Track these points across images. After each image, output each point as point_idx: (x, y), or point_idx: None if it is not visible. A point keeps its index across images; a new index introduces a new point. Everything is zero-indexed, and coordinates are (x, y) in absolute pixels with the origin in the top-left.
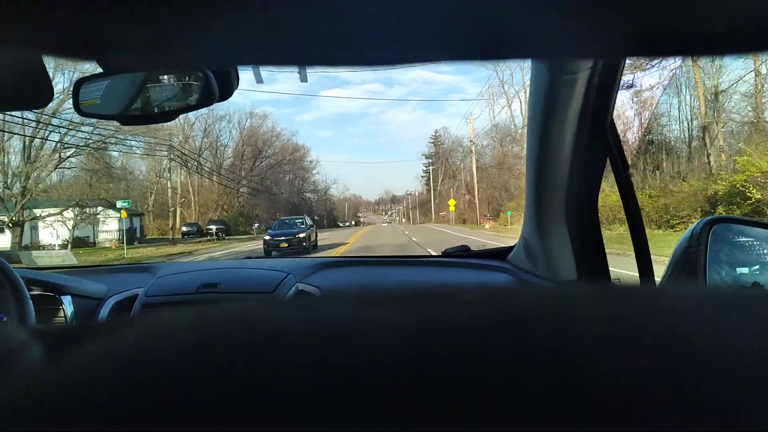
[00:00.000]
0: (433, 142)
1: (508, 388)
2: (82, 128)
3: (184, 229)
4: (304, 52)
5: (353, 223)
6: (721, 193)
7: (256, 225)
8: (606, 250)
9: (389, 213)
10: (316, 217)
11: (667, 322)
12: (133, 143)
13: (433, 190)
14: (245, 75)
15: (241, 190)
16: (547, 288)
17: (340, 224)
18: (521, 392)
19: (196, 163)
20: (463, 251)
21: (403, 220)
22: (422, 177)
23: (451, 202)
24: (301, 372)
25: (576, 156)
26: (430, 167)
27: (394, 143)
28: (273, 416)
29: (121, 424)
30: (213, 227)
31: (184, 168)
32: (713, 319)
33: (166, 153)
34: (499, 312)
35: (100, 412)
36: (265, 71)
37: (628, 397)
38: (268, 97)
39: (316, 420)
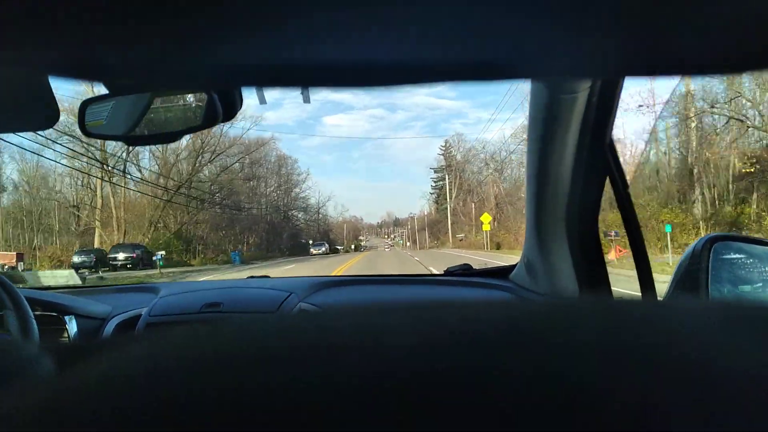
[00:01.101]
0: (443, 154)
1: (510, 400)
2: None
3: (75, 259)
4: (307, 73)
5: (353, 247)
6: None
7: (160, 255)
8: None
9: (392, 236)
10: (309, 241)
11: (669, 335)
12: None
13: (449, 207)
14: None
15: (179, 201)
16: (548, 302)
17: (339, 248)
18: (524, 404)
19: (113, 168)
20: (465, 270)
21: (408, 244)
22: (431, 194)
23: (486, 218)
24: (308, 385)
25: (576, 175)
26: (441, 182)
27: (397, 166)
28: (277, 429)
29: None
30: (121, 255)
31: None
32: (715, 332)
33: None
34: (500, 324)
35: (106, 426)
36: (270, 96)
37: (629, 411)
38: (273, 122)
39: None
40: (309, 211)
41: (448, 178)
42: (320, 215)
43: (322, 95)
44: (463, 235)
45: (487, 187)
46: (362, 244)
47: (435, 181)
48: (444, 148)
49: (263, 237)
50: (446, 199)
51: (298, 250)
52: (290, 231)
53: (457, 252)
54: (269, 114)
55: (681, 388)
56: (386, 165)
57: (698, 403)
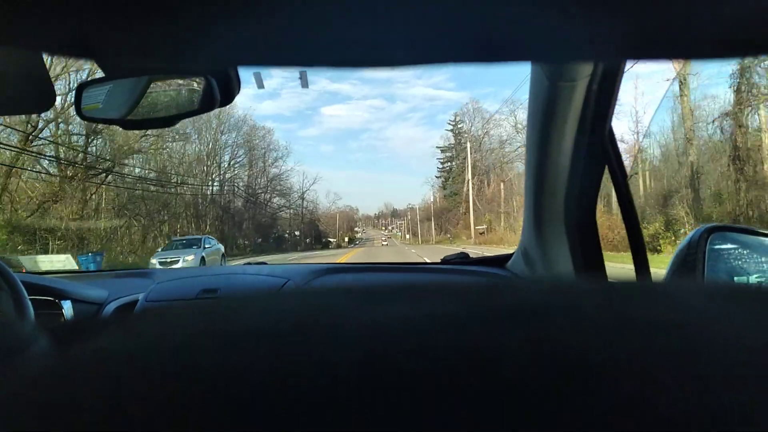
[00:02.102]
0: (451, 129)
1: (512, 374)
2: None
3: None
4: (305, 53)
5: (346, 240)
6: None
7: None
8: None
9: (389, 228)
10: (287, 234)
11: (665, 312)
12: None
13: (469, 189)
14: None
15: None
16: (547, 282)
17: (331, 240)
18: (524, 379)
19: None
20: (462, 258)
21: (408, 237)
22: (437, 177)
23: None
24: (306, 361)
25: (575, 163)
26: (449, 164)
27: (395, 158)
28: (279, 405)
29: (128, 414)
30: None
31: None
32: (711, 309)
33: None
34: (498, 303)
35: (105, 402)
36: (267, 86)
37: (627, 386)
38: (271, 112)
39: (321, 408)
40: (287, 195)
41: (454, 161)
42: (304, 201)
43: (320, 85)
44: (484, 226)
45: (512, 165)
46: (359, 236)
47: (442, 163)
48: (453, 123)
49: (219, 228)
50: (457, 182)
51: (273, 245)
52: (262, 221)
53: (477, 249)
54: (266, 104)
55: (679, 360)
56: (385, 156)
57: (695, 375)
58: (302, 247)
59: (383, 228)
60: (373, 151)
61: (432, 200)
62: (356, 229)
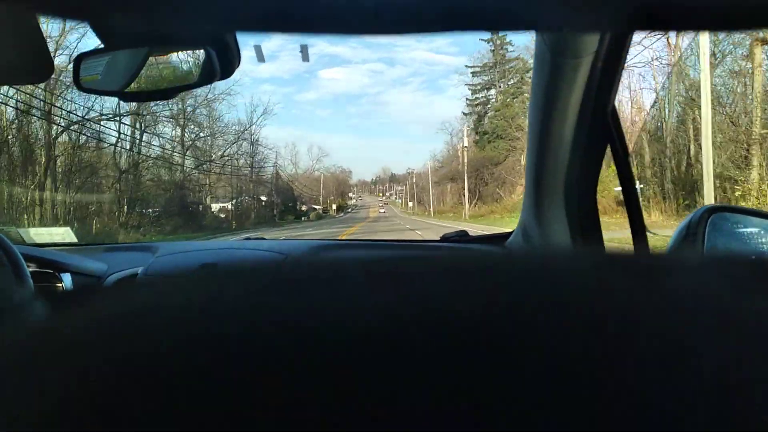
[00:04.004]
0: (490, 40)
1: (510, 342)
2: None
3: None
4: (304, 18)
5: (335, 208)
6: None
7: None
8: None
9: (387, 194)
10: (229, 204)
11: (662, 282)
12: None
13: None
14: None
15: None
16: (546, 252)
17: (315, 207)
18: (522, 349)
19: None
20: (461, 236)
21: (411, 204)
22: (466, 115)
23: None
24: (305, 330)
25: (577, 141)
26: (485, 92)
27: (393, 124)
28: (277, 375)
29: (125, 382)
30: None
31: None
32: (710, 279)
33: None
34: (495, 279)
35: (100, 369)
36: (266, 48)
37: (623, 359)
38: (268, 75)
39: (318, 381)
40: (223, 136)
41: (499, 80)
42: (257, 148)
43: (318, 48)
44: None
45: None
46: (353, 203)
47: (474, 91)
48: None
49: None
50: (500, 120)
51: (187, 221)
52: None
53: None
54: (265, 66)
55: (676, 330)
56: (383, 122)
57: (690, 345)
58: (253, 222)
59: (380, 194)
60: (371, 116)
61: (448, 154)
62: (350, 195)
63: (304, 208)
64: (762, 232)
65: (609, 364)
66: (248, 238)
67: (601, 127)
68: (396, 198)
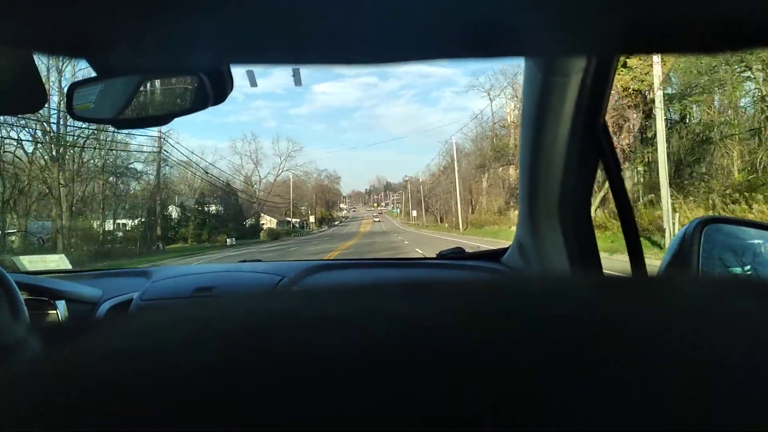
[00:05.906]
0: None
1: (509, 360)
2: None
3: None
4: (298, 51)
5: (312, 222)
6: None
7: None
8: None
9: (383, 204)
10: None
11: (661, 306)
12: None
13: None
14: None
15: None
16: (543, 276)
17: (296, 221)
18: (521, 380)
19: None
20: (458, 253)
21: (414, 214)
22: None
23: None
24: (304, 357)
25: (569, 157)
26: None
27: (387, 136)
28: (274, 403)
29: (121, 414)
30: None
31: None
32: (708, 303)
33: None
34: (494, 301)
35: (97, 401)
36: (260, 67)
37: (624, 381)
38: (260, 91)
39: (315, 406)
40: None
41: None
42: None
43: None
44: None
45: None
46: (344, 215)
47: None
48: None
49: None
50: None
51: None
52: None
53: None
54: (258, 82)
55: (675, 355)
56: (377, 134)
57: (693, 370)
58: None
59: (375, 204)
60: (365, 129)
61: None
62: (341, 206)
63: (265, 222)
64: (757, 242)
65: (608, 384)
66: (244, 261)
67: (592, 142)
68: (393, 208)
